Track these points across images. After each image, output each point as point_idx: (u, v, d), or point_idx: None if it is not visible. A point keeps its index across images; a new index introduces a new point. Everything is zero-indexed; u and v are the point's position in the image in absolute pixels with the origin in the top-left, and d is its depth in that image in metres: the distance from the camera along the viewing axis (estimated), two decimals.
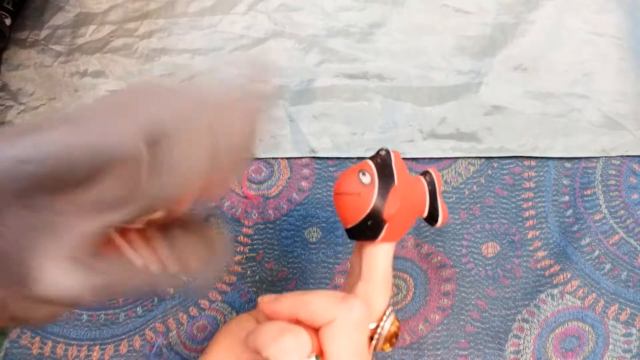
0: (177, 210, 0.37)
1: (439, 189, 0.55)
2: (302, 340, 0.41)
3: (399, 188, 0.49)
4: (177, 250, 0.37)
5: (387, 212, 0.47)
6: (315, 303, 0.44)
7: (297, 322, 0.44)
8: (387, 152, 0.50)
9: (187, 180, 0.33)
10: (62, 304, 0.32)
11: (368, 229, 0.48)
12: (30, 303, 0.32)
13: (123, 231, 0.35)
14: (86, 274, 0.32)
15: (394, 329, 0.48)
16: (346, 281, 0.54)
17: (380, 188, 0.48)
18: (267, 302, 0.46)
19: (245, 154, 0.37)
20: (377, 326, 0.48)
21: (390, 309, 0.49)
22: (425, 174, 0.55)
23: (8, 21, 0.83)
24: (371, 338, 0.48)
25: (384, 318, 0.48)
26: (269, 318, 0.46)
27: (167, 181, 0.32)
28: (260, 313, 0.49)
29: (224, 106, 0.35)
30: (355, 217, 0.48)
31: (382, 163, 0.49)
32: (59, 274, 0.31)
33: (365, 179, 0.48)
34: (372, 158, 0.50)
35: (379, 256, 0.49)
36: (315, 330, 0.43)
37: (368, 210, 0.47)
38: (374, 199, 0.47)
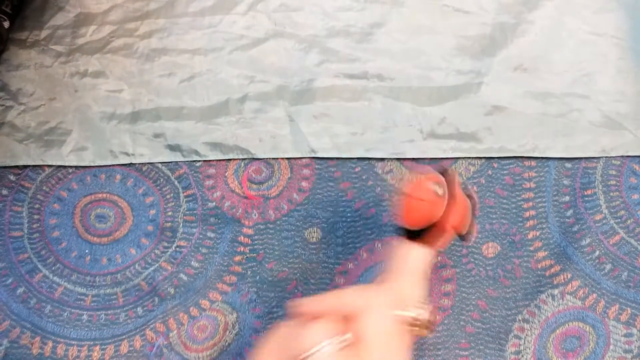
0: None
1: (476, 211, 0.62)
2: (328, 326, 0.44)
3: (459, 205, 0.55)
4: None
5: (451, 222, 0.54)
6: (340, 296, 0.47)
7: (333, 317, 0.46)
8: (454, 173, 0.58)
9: None
10: None
11: (430, 234, 0.53)
12: None
13: None
14: None
15: (432, 316, 0.51)
16: (380, 278, 0.55)
17: (448, 202, 0.54)
18: (295, 305, 0.48)
19: None
20: (416, 314, 0.50)
21: (427, 299, 0.55)
22: (470, 196, 0.60)
23: (6, 24, 0.83)
24: (411, 325, 0.50)
25: (422, 306, 0.51)
26: (300, 319, 0.48)
27: None
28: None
29: None
30: (422, 221, 0.54)
31: (450, 181, 0.55)
32: None
33: (440, 191, 0.54)
34: (441, 173, 0.56)
35: (426, 255, 0.54)
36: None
37: (437, 218, 0.53)
38: (443, 209, 0.53)
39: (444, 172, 0.55)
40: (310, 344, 0.42)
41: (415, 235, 0.53)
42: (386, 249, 0.57)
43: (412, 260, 0.53)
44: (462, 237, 0.59)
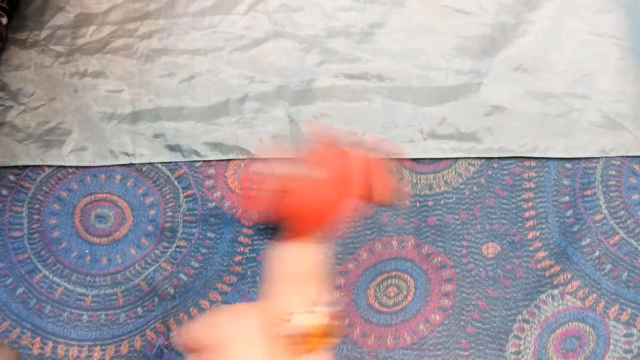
0: None
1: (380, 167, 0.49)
2: None
3: (331, 161, 0.47)
4: None
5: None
6: (214, 327, 0.45)
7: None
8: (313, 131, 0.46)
9: None
10: None
11: (297, 225, 0.45)
12: None
13: None
14: None
15: (330, 320, 0.43)
16: (265, 286, 0.48)
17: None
18: (181, 334, 0.46)
19: None
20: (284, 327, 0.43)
21: (303, 305, 0.44)
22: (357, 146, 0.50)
23: (4, 20, 0.82)
24: (307, 337, 0.43)
25: (295, 317, 0.43)
26: (187, 350, 0.46)
27: None
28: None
29: None
30: (291, 213, 0.46)
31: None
32: None
33: (312, 174, 0.47)
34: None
35: (301, 254, 0.46)
36: None
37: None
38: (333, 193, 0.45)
39: (328, 146, 0.48)
40: None
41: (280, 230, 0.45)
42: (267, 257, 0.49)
43: (289, 262, 0.45)
44: (386, 203, 0.49)
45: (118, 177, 0.79)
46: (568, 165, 0.77)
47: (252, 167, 0.48)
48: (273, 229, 0.45)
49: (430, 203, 0.76)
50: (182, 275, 0.75)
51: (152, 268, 0.76)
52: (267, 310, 0.43)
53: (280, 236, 0.45)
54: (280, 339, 0.42)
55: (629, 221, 0.74)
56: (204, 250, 0.76)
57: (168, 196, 0.78)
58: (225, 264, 0.76)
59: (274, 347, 0.42)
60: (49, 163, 0.80)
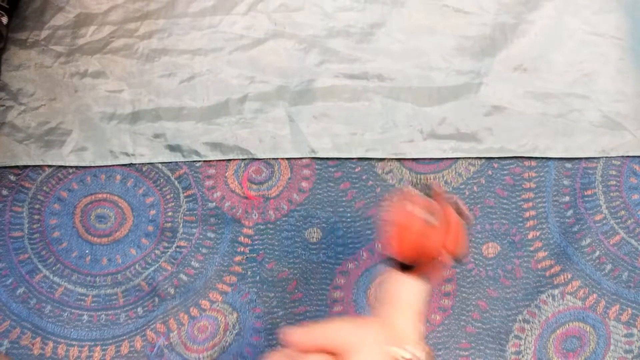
0: None
1: (471, 230, 0.55)
2: None
3: (453, 230, 0.50)
4: None
5: (445, 252, 0.49)
6: (335, 331, 0.45)
7: (325, 352, 0.45)
8: (448, 196, 0.51)
9: None
10: None
11: (425, 265, 0.49)
12: None
13: None
14: None
15: (428, 358, 0.48)
16: (377, 308, 0.54)
17: (441, 229, 0.48)
18: (290, 333, 0.47)
19: None
20: (412, 355, 0.47)
21: (423, 342, 0.49)
22: (462, 215, 0.54)
23: (5, 19, 0.82)
24: None
25: (417, 347, 0.48)
26: (293, 348, 0.47)
27: None
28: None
29: None
30: (415, 253, 0.48)
31: (443, 205, 0.50)
32: None
33: (432, 220, 0.48)
34: (434, 197, 0.50)
35: (417, 289, 0.50)
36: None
37: (429, 250, 0.48)
38: (436, 239, 0.48)
39: (436, 196, 0.50)
40: None
41: (408, 266, 0.49)
42: (382, 280, 0.53)
43: (406, 294, 0.50)
44: (457, 260, 0.54)
45: (118, 177, 0.79)
46: (568, 165, 0.77)
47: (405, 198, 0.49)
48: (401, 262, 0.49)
49: None
50: (182, 275, 0.75)
51: (153, 268, 0.76)
52: (389, 331, 0.46)
53: (405, 268, 0.49)
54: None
55: (629, 221, 0.74)
56: (204, 251, 0.76)
57: (168, 196, 0.78)
58: (225, 264, 0.76)
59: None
60: (49, 163, 0.80)
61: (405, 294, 0.50)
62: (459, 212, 0.54)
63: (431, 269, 0.48)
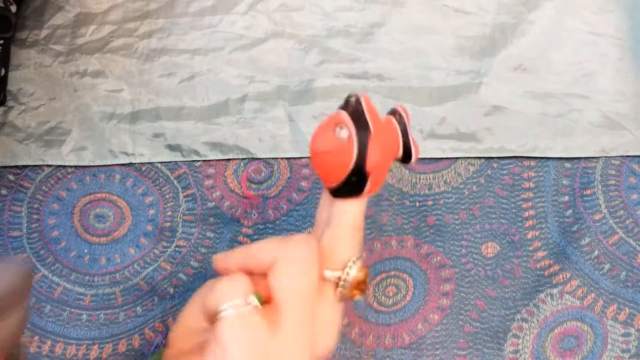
0: None
1: (408, 125, 0.51)
2: (237, 280, 0.41)
3: (376, 136, 0.46)
4: None
5: (370, 164, 0.45)
6: (258, 249, 0.44)
7: (250, 274, 0.44)
8: (358, 98, 0.47)
9: None
10: None
11: (353, 185, 0.46)
12: None
13: None
14: None
15: (361, 275, 0.46)
16: (312, 233, 0.51)
17: (358, 140, 0.45)
18: (219, 259, 0.46)
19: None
20: (343, 273, 0.46)
21: (357, 255, 0.47)
22: (394, 112, 0.51)
23: (14, 8, 0.83)
24: (337, 285, 0.46)
25: (350, 264, 0.46)
26: (223, 274, 0.45)
27: None
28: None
29: None
30: (339, 175, 0.46)
31: (356, 112, 0.46)
32: None
33: (344, 133, 0.45)
34: (344, 108, 0.47)
35: (351, 205, 0.47)
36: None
37: (351, 167, 0.45)
38: (355, 153, 0.45)
39: (345, 106, 0.46)
40: (219, 300, 0.40)
41: (345, 191, 0.46)
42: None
43: (341, 215, 0.47)
44: (403, 161, 0.51)
45: (117, 176, 0.81)
46: (567, 165, 0.78)
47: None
48: (356, 184, 0.46)
49: (429, 203, 0.77)
50: (181, 275, 0.77)
51: (152, 267, 0.77)
52: (325, 250, 0.45)
53: (338, 193, 0.47)
54: (328, 281, 0.45)
55: (627, 221, 0.75)
56: (203, 250, 0.77)
57: (167, 196, 0.80)
58: None
59: (320, 285, 0.44)
60: (49, 163, 0.81)
61: (340, 215, 0.47)
62: (390, 112, 0.52)
63: (363, 183, 0.46)
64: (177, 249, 0.78)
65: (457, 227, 0.76)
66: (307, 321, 0.42)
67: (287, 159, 0.80)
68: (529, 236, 0.76)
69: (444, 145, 0.80)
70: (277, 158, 0.80)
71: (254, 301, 0.40)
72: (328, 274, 0.45)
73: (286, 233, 0.77)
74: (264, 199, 0.79)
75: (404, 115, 0.51)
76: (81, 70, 0.85)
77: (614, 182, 0.77)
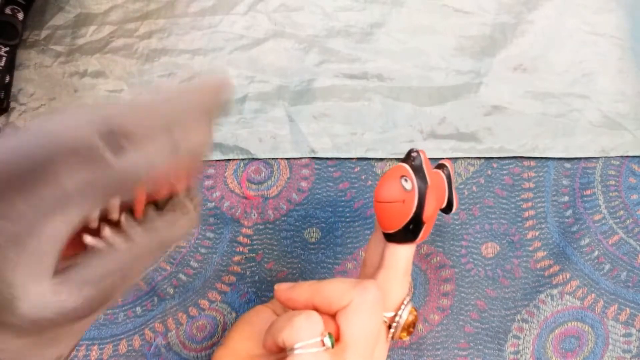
0: (141, 195, 0.36)
1: (453, 179, 0.59)
2: (314, 320, 0.42)
3: (431, 188, 0.51)
4: (153, 230, 0.36)
5: (427, 213, 0.50)
6: (330, 288, 0.46)
7: (315, 309, 0.45)
8: (418, 153, 0.52)
9: (144, 172, 0.32)
10: (54, 324, 0.32)
11: (409, 232, 0.51)
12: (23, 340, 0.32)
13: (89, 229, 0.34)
14: (74, 283, 0.32)
15: (411, 317, 0.51)
16: (361, 271, 0.56)
17: (419, 192, 0.50)
18: (283, 289, 0.48)
19: (201, 152, 0.37)
20: (395, 314, 0.50)
21: (408, 298, 0.52)
22: (442, 167, 0.59)
23: (20, 15, 0.83)
24: (389, 326, 0.50)
25: (402, 307, 0.50)
26: (285, 306, 0.48)
27: (126, 170, 0.31)
28: (277, 304, 0.52)
29: (181, 106, 0.35)
30: (399, 222, 0.50)
31: (417, 165, 0.52)
32: (42, 292, 0.30)
33: (408, 185, 0.50)
34: (405, 161, 0.52)
35: (404, 249, 0.52)
36: (333, 317, 0.45)
37: (411, 215, 0.50)
38: (415, 204, 0.50)
39: (407, 159, 0.52)
40: (295, 337, 0.41)
41: (402, 236, 0.51)
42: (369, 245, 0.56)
43: (395, 259, 0.52)
44: (445, 211, 0.58)
45: None
46: (567, 165, 0.78)
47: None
48: (412, 232, 0.52)
49: None
50: (181, 275, 0.77)
51: (151, 268, 0.77)
52: (385, 293, 0.49)
53: (393, 238, 0.52)
54: (385, 323, 0.49)
55: (628, 221, 0.76)
56: (203, 250, 0.78)
57: None
58: (224, 263, 0.77)
59: (383, 329, 0.48)
60: None
61: (394, 259, 0.51)
62: (438, 166, 0.59)
63: (418, 231, 0.51)
64: (176, 249, 0.78)
65: (457, 227, 0.77)
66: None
67: (287, 159, 0.80)
68: (529, 236, 0.76)
69: (444, 145, 0.80)
70: (276, 158, 0.80)
71: (329, 343, 0.42)
72: (388, 315, 0.50)
73: (286, 233, 0.77)
74: (263, 199, 0.79)
75: (449, 168, 0.57)
76: (81, 70, 0.86)
77: (613, 182, 0.77)
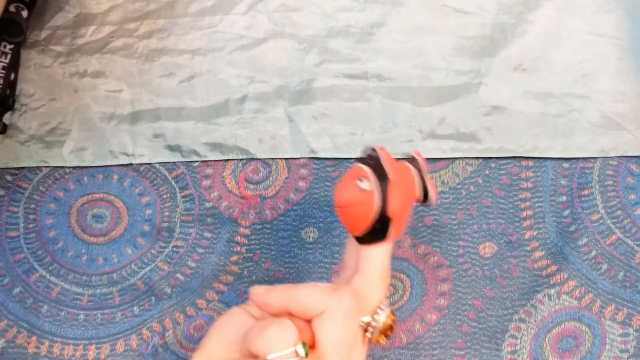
0: None
1: (424, 169, 0.59)
2: (287, 329, 0.44)
3: (395, 183, 0.51)
4: None
5: (392, 210, 0.51)
6: (306, 294, 0.47)
7: (290, 315, 0.47)
8: (375, 150, 0.53)
9: None
10: None
11: (377, 232, 0.51)
12: None
13: None
14: None
15: (389, 321, 0.52)
16: (341, 275, 0.57)
17: (379, 189, 0.50)
18: (259, 294, 0.50)
19: None
20: (372, 319, 0.51)
21: (386, 302, 0.53)
22: (409, 158, 0.59)
23: (25, 13, 0.86)
24: (366, 330, 0.51)
25: (379, 311, 0.52)
26: (260, 309, 0.50)
27: None
28: (253, 306, 0.53)
29: None
30: (363, 225, 0.51)
31: (374, 163, 0.52)
32: None
33: (364, 185, 0.51)
34: (362, 161, 0.53)
35: (378, 251, 0.53)
36: (308, 322, 0.47)
37: (374, 215, 0.50)
38: (376, 202, 0.50)
39: (364, 158, 0.52)
40: (268, 348, 0.43)
41: (370, 238, 0.52)
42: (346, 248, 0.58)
43: (370, 262, 0.52)
44: (423, 202, 0.58)
45: (115, 177, 0.85)
46: (566, 165, 0.82)
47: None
48: (380, 231, 0.52)
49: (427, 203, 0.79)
50: (179, 275, 0.80)
51: (149, 267, 0.81)
52: (361, 298, 0.50)
53: (363, 241, 0.53)
54: (361, 327, 0.50)
55: (625, 221, 0.78)
56: (200, 250, 0.81)
57: (165, 196, 0.84)
58: (221, 263, 0.81)
59: (359, 334, 0.50)
60: (51, 164, 0.85)
61: (368, 261, 0.52)
62: (406, 158, 0.59)
63: (387, 230, 0.51)
64: (174, 249, 0.82)
65: (454, 227, 0.80)
66: None
67: (285, 159, 0.84)
68: (527, 236, 0.79)
69: (444, 145, 0.83)
70: (275, 158, 0.82)
71: (302, 352, 0.44)
72: (365, 319, 0.51)
73: (283, 233, 0.81)
74: (261, 199, 0.82)
75: (418, 159, 0.57)
76: (81, 70, 0.90)
77: (611, 182, 0.80)
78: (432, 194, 0.58)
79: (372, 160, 0.52)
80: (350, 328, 0.47)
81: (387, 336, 0.52)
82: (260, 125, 0.85)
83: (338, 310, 0.46)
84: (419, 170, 0.58)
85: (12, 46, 0.86)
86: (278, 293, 0.48)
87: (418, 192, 0.57)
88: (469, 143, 0.83)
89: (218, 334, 0.51)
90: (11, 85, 0.86)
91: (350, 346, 0.47)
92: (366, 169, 0.51)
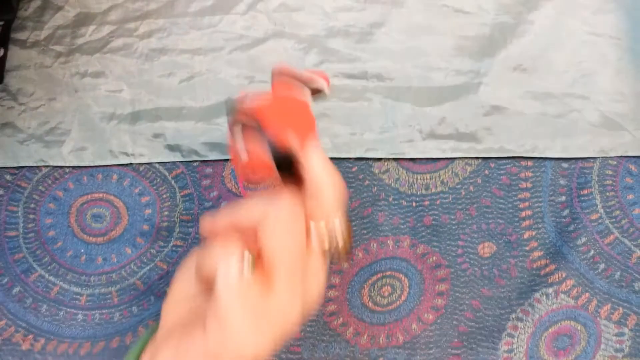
0: None
1: (296, 71, 0.55)
2: (230, 242, 0.44)
3: (242, 99, 0.51)
4: None
5: (273, 124, 0.49)
6: (247, 209, 0.48)
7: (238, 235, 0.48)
8: (230, 98, 0.52)
9: None
10: None
11: (284, 159, 0.49)
12: None
13: None
14: None
15: (342, 226, 0.50)
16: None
17: (230, 118, 0.51)
18: (206, 222, 0.50)
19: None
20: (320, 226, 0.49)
21: (341, 214, 0.50)
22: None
23: None
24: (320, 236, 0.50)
25: (329, 219, 0.49)
26: (212, 238, 0.49)
27: None
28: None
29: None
30: (264, 170, 0.50)
31: (229, 110, 0.51)
32: None
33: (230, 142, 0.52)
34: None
35: (310, 161, 0.50)
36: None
37: (242, 162, 0.50)
38: (238, 152, 0.51)
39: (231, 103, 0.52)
40: (215, 265, 0.43)
41: (280, 167, 0.49)
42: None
43: (306, 171, 0.49)
44: (318, 92, 0.56)
45: (115, 176, 0.87)
46: (565, 165, 0.84)
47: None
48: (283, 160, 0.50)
49: (426, 203, 0.82)
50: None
51: (148, 267, 0.84)
52: (311, 206, 0.49)
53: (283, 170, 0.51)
54: (315, 235, 0.49)
55: (623, 221, 0.81)
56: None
57: (164, 196, 0.86)
58: None
59: (306, 240, 0.49)
60: (50, 164, 0.87)
61: (305, 172, 0.50)
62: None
63: (288, 140, 0.49)
64: (174, 248, 0.84)
65: (453, 227, 0.82)
66: (297, 277, 0.47)
67: None
68: (526, 236, 0.82)
69: (444, 145, 0.86)
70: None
71: (248, 257, 0.44)
72: (311, 225, 0.49)
73: None
74: None
75: (284, 68, 0.55)
76: (81, 70, 0.93)
77: (610, 182, 0.83)
78: (320, 81, 0.55)
79: (227, 112, 0.52)
80: (294, 233, 0.45)
81: (344, 250, 0.49)
82: None
83: (278, 216, 0.45)
84: (292, 74, 0.54)
85: (2, 23, 0.87)
86: (223, 218, 0.48)
87: (305, 91, 0.55)
88: (469, 143, 0.85)
89: (180, 275, 0.52)
90: (0, 60, 0.90)
91: (298, 252, 0.45)
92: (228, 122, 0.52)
